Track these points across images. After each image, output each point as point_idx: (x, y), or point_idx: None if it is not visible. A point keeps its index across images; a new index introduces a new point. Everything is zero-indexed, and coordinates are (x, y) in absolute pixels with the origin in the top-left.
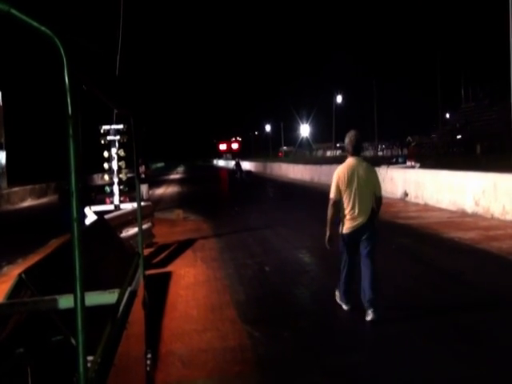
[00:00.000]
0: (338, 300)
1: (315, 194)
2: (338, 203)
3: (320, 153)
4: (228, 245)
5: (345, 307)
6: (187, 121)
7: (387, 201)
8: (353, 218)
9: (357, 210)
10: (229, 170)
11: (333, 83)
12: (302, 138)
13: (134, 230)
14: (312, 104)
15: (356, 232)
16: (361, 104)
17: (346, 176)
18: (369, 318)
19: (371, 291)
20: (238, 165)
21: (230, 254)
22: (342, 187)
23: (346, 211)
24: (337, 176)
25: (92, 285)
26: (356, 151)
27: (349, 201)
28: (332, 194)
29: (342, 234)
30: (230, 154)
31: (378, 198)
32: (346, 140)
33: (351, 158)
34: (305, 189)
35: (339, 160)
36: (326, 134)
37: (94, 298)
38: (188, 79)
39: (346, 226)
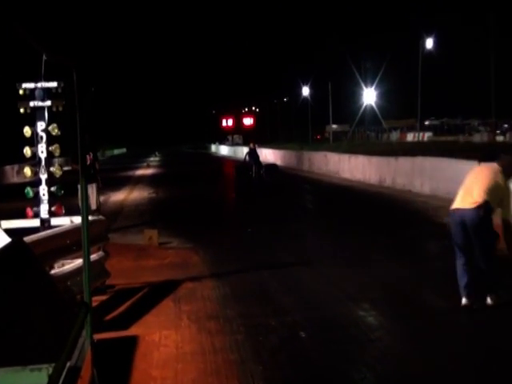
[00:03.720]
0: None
1: (386, 208)
2: None
3: (395, 135)
4: (235, 292)
5: (463, 301)
6: (169, 83)
7: None
8: (457, 200)
9: (462, 194)
10: (237, 164)
11: (417, 22)
12: (366, 107)
13: (74, 264)
14: (380, 59)
15: (458, 215)
16: (463, 58)
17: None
18: (463, 302)
19: (467, 287)
20: (253, 154)
21: (238, 308)
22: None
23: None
24: None
25: (5, 356)
26: (500, 164)
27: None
28: None
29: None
30: (240, 135)
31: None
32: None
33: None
34: (369, 198)
35: (427, 148)
36: (405, 107)
37: (10, 378)
38: (172, 17)
39: (452, 206)
